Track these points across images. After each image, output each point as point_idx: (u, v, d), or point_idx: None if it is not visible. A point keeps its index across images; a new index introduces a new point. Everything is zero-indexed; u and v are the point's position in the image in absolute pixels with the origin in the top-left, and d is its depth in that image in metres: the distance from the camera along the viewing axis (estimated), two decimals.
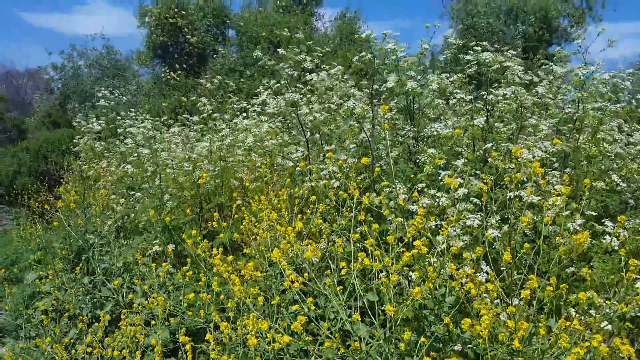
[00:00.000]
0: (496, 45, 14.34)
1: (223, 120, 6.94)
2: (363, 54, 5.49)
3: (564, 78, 5.85)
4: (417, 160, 4.39)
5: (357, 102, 4.84)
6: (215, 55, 18.62)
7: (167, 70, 18.28)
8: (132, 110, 10.02)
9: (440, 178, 3.42)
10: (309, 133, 6.15)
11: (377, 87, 5.45)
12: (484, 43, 4.44)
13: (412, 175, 4.56)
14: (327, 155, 3.92)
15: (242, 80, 17.34)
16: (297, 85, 6.79)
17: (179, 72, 18.39)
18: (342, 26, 20.29)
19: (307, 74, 6.53)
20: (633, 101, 5.28)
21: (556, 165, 4.12)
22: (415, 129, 4.94)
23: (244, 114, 7.49)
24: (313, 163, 5.97)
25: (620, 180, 3.78)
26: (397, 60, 4.62)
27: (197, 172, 5.72)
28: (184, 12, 18.82)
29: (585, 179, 2.56)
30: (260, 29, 18.43)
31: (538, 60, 15.22)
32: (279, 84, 6.39)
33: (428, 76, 5.20)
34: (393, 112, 5.17)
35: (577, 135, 4.13)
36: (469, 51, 4.60)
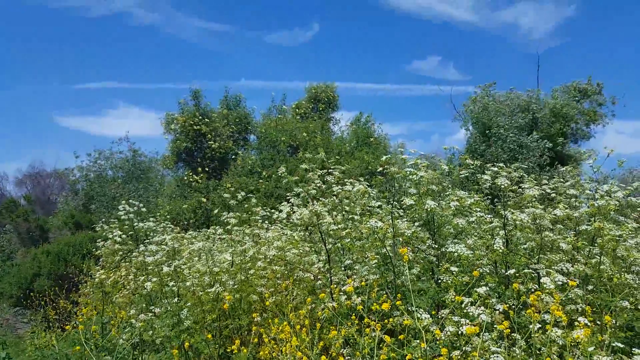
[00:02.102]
0: (513, 156, 14.70)
1: (244, 232, 7.07)
2: (385, 163, 5.70)
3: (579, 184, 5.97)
4: (439, 280, 4.38)
5: (379, 219, 4.95)
6: (235, 158, 19.44)
7: (190, 174, 19.04)
8: (153, 217, 10.23)
9: (463, 305, 3.39)
10: (330, 245, 6.21)
11: (398, 202, 5.62)
12: (501, 164, 4.61)
13: (434, 295, 4.52)
14: (348, 280, 3.94)
15: (260, 180, 17.94)
16: (320, 197, 6.96)
17: (201, 174, 19.14)
18: (357, 130, 21.26)
19: (332, 185, 6.71)
20: None
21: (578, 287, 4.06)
22: (436, 246, 4.98)
23: (267, 223, 7.65)
24: (334, 274, 5.96)
25: None
26: (419, 180, 4.80)
27: (216, 288, 5.74)
28: (207, 120, 19.99)
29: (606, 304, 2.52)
30: (280, 134, 19.40)
31: (555, 168, 15.42)
32: (301, 196, 6.59)
33: (447, 193, 5.34)
34: (413, 229, 5.26)
35: (597, 256, 4.11)
36: (486, 171, 4.77)
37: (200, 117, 19.90)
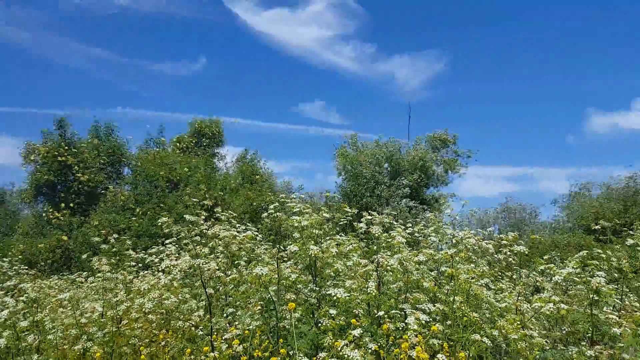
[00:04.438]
0: (382, 203, 15.87)
1: (118, 280, 6.65)
2: (271, 210, 5.90)
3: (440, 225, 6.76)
4: (319, 323, 4.61)
5: (265, 265, 5.08)
6: (105, 193, 18.16)
7: (51, 210, 17.31)
8: (4, 258, 9.13)
9: (340, 348, 3.64)
10: (210, 290, 6.13)
11: (284, 248, 5.81)
12: (374, 213, 5.08)
13: (314, 337, 4.73)
14: (230, 329, 3.98)
15: (133, 218, 16.91)
16: (200, 239, 6.86)
17: (64, 210, 17.48)
18: (243, 167, 21.31)
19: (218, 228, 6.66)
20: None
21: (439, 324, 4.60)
22: (317, 289, 5.23)
23: (142, 269, 7.29)
24: (216, 322, 5.88)
25: (497, 333, 4.32)
26: (302, 227, 5.06)
27: (83, 341, 5.33)
28: (75, 150, 18.51)
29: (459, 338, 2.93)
30: (158, 168, 18.60)
31: (420, 206, 17.07)
32: (182, 242, 6.44)
33: (328, 238, 5.67)
34: (298, 273, 5.47)
35: (452, 297, 4.70)
36: (361, 220, 5.20)
37: (66, 148, 18.33)
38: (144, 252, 8.13)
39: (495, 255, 5.66)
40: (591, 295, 3.85)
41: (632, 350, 4.08)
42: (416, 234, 6.48)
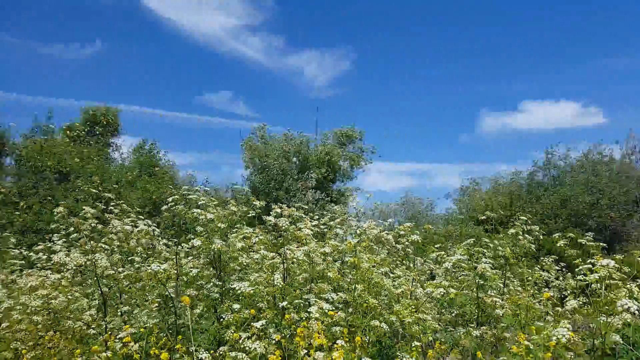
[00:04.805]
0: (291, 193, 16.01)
1: None
2: (171, 201, 5.65)
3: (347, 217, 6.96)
4: (221, 319, 4.53)
5: (164, 259, 4.88)
6: None
7: None
8: None
9: (241, 341, 3.61)
10: (105, 288, 5.76)
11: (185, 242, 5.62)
12: (284, 206, 5.09)
13: (215, 333, 4.64)
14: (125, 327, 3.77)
15: (17, 212, 15.40)
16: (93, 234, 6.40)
17: None
18: (140, 158, 20.16)
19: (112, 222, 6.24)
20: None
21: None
22: (220, 283, 5.14)
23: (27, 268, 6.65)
24: (110, 321, 5.54)
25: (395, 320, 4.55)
26: (207, 222, 4.92)
27: None
28: None
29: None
30: (46, 158, 17.03)
31: (327, 198, 17.48)
32: (71, 237, 5.96)
33: (235, 230, 5.58)
34: (199, 268, 5.32)
35: (354, 285, 4.87)
36: (270, 213, 5.18)
37: None
38: (28, 249, 7.43)
39: (395, 245, 5.95)
40: (477, 280, 4.20)
41: (511, 330, 4.52)
42: (322, 226, 6.61)
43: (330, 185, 19.14)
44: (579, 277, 3.55)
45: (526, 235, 5.32)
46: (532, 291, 4.74)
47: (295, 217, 5.17)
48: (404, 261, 6.49)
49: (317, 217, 6.85)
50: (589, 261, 3.32)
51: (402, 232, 5.88)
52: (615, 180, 20.65)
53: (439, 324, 4.76)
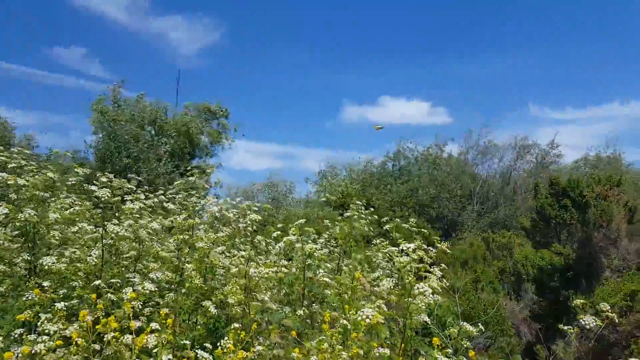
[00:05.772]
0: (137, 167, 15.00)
1: None
2: None
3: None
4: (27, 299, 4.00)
5: None
6: None
7: None
8: None
9: (39, 323, 3.22)
10: None
11: None
12: (110, 175, 4.62)
13: (16, 313, 4.09)
14: None
15: None
16: None
17: None
18: None
19: None
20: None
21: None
22: (29, 258, 4.54)
23: None
24: None
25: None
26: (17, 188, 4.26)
27: None
28: None
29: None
30: None
31: (185, 173, 16.79)
32: None
33: (53, 200, 4.97)
34: (6, 240, 4.64)
35: (186, 265, 4.67)
36: (95, 182, 4.69)
37: None
38: None
39: (238, 224, 5.85)
40: (305, 260, 4.29)
41: (336, 308, 4.71)
42: (164, 204, 6.21)
43: (189, 159, 18.36)
44: (395, 260, 3.80)
45: (361, 217, 5.60)
46: (361, 272, 5.00)
47: (126, 190, 4.76)
48: (249, 241, 6.42)
49: (162, 190, 6.44)
50: (401, 247, 3.58)
51: (246, 212, 5.80)
52: (454, 175, 23.31)
53: (273, 305, 4.78)
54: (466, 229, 21.61)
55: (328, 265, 4.56)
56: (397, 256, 3.50)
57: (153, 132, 17.45)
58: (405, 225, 5.23)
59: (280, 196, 27.62)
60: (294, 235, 4.48)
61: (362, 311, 3.01)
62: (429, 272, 3.46)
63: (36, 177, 4.67)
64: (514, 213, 22.00)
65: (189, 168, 17.81)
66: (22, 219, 4.21)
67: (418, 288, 3.21)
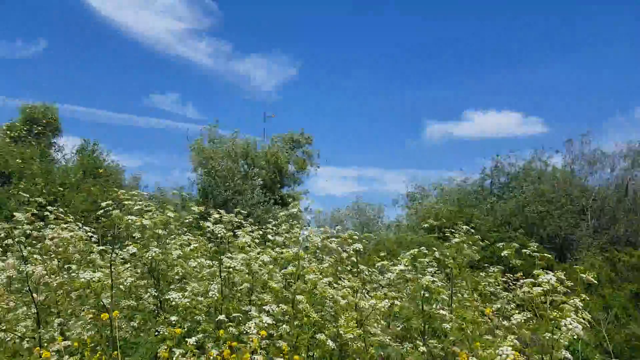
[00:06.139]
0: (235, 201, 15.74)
1: None
2: (107, 206, 5.33)
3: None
4: (158, 332, 4.28)
5: (97, 269, 4.56)
6: None
7: None
8: None
9: (174, 357, 3.39)
10: (41, 296, 5.36)
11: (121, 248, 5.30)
12: (222, 212, 4.87)
13: (150, 347, 4.37)
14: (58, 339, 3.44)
15: None
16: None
17: None
18: (84, 160, 19.28)
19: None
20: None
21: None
22: (156, 294, 4.86)
23: None
24: (46, 332, 5.16)
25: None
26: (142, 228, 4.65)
27: None
28: None
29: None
30: None
31: (277, 202, 17.36)
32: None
33: (173, 237, 5.32)
34: (136, 277, 5.03)
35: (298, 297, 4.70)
36: (208, 218, 4.96)
37: None
38: None
39: (341, 254, 5.84)
40: (422, 293, 4.12)
41: (459, 343, 4.45)
42: (269, 235, 6.40)
43: (279, 188, 19.03)
44: (524, 290, 3.54)
45: (467, 242, 5.30)
46: (479, 304, 4.71)
47: (235, 224, 4.97)
48: (352, 270, 6.39)
49: (259, 222, 6.65)
50: (532, 274, 3.30)
51: (349, 240, 5.78)
52: (562, 190, 21.34)
53: (388, 339, 4.63)
54: (582, 248, 19.47)
55: (444, 297, 4.33)
56: (528, 286, 3.24)
57: (246, 165, 18.34)
58: (525, 250, 4.82)
59: (369, 221, 27.35)
60: (406, 266, 4.36)
61: (501, 349, 2.79)
62: (565, 302, 3.16)
63: (158, 216, 5.03)
64: (639, 227, 19.58)
65: (281, 196, 18.50)
66: (149, 257, 4.53)
67: (566, 324, 2.91)
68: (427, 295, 4.16)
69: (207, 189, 16.99)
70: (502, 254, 4.66)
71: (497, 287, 6.06)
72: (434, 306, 4.27)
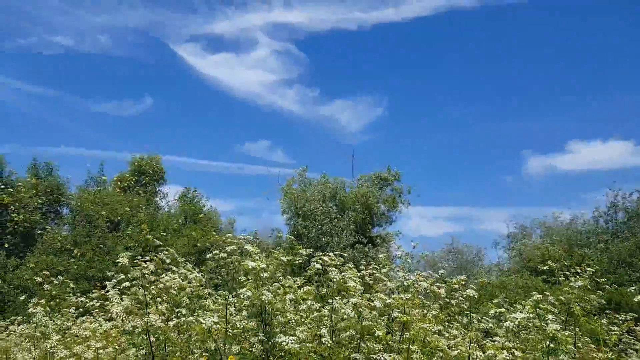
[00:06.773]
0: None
1: (52, 326, 6.10)
2: (216, 252, 5.63)
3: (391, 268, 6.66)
4: None
5: (211, 314, 4.78)
6: (42, 234, 17.13)
7: None
8: None
9: None
10: (153, 338, 5.70)
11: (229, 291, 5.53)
12: (331, 254, 4.93)
13: None
14: None
15: (72, 259, 15.95)
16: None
17: None
18: (186, 206, 20.67)
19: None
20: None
21: None
22: (265, 338, 4.96)
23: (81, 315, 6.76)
24: None
25: None
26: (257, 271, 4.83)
27: None
28: (11, 190, 17.46)
29: None
30: (98, 207, 17.79)
31: (368, 243, 17.24)
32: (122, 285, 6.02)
33: (280, 279, 5.45)
34: (246, 321, 5.19)
35: (408, 345, 4.55)
36: (315, 259, 5.05)
37: (2, 187, 17.33)
38: (83, 296, 7.60)
39: (448, 300, 5.61)
40: (547, 343, 3.81)
41: None
42: (367, 278, 6.34)
43: (370, 229, 18.87)
44: None
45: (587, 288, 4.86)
46: (610, 354, 4.24)
47: (338, 266, 5.00)
48: (457, 317, 6.09)
49: (352, 264, 6.59)
50: None
51: (455, 286, 5.55)
52: None
53: None
54: None
55: (572, 346, 3.96)
56: None
57: (335, 207, 18.52)
58: None
59: (467, 264, 26.01)
60: (529, 313, 4.07)
61: None
62: None
63: (271, 260, 5.19)
64: None
65: (370, 237, 18.33)
66: (265, 300, 4.65)
67: None
68: (552, 345, 3.82)
69: (300, 230, 17.37)
70: (635, 300, 4.18)
71: (622, 335, 5.43)
72: (560, 357, 3.91)
